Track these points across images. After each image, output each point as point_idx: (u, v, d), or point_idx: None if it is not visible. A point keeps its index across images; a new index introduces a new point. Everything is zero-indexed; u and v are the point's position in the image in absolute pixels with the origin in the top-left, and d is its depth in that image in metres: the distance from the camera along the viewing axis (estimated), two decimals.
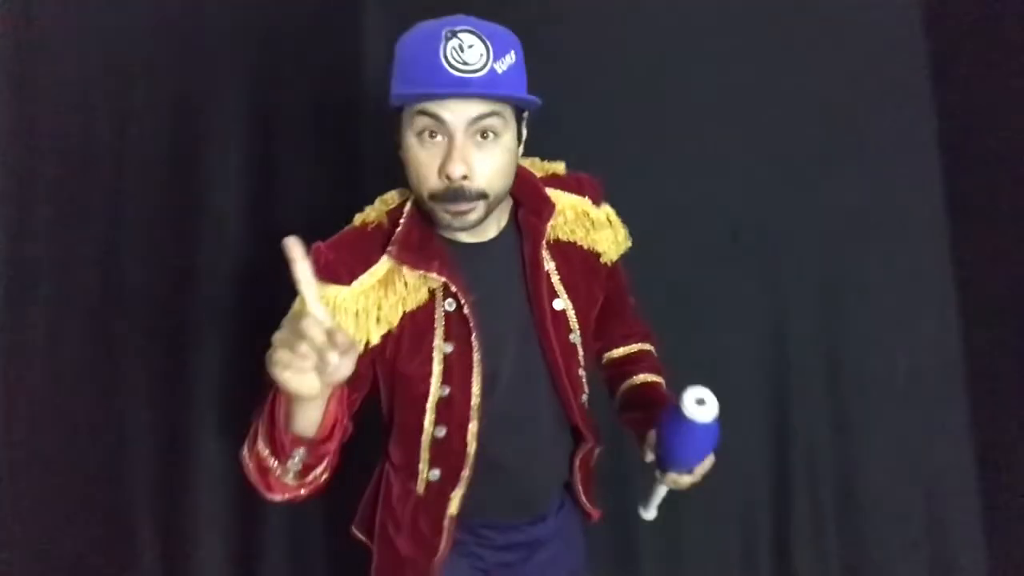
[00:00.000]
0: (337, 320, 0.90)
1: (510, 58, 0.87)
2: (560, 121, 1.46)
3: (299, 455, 0.82)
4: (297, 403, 0.78)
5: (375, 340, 0.93)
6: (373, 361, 0.96)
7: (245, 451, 0.89)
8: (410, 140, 0.89)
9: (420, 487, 1.03)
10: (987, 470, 1.63)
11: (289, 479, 0.84)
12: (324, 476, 0.87)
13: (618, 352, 1.18)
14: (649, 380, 1.13)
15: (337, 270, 0.93)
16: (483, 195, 0.89)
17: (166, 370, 1.47)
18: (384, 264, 0.94)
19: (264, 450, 0.83)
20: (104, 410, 1.46)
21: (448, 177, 0.86)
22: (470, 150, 0.87)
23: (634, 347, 1.18)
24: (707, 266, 1.57)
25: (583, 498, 1.14)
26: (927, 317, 1.64)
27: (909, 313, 1.62)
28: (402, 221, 0.96)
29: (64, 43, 1.44)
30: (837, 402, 1.62)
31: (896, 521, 1.61)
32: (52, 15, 1.44)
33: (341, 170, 1.48)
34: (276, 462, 0.83)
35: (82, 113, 1.45)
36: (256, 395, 0.88)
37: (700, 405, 0.88)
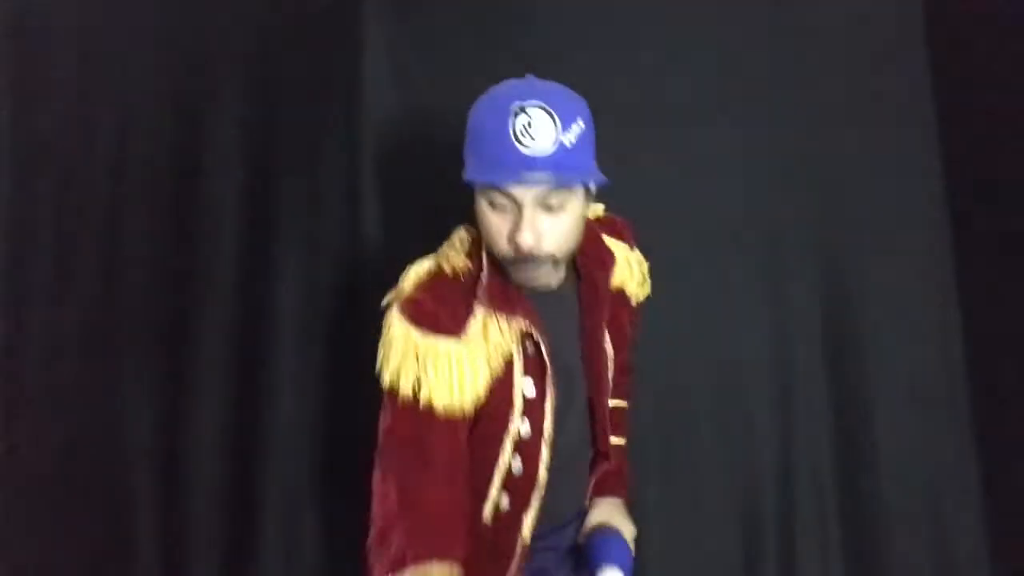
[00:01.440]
0: (457, 375, 0.94)
1: (577, 127, 0.90)
2: None
3: None
4: None
5: (483, 390, 0.97)
6: None
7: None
8: (483, 206, 0.93)
9: (488, 514, 1.05)
10: (987, 470, 1.62)
11: None
12: None
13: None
14: (615, 444, 1.19)
15: (445, 322, 0.96)
16: (552, 259, 0.94)
17: (166, 371, 1.47)
18: (479, 313, 0.97)
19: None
20: (104, 411, 1.46)
21: (518, 246, 0.90)
22: (539, 219, 0.91)
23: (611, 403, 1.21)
24: (707, 266, 1.57)
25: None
26: (928, 317, 1.64)
27: (909, 313, 1.62)
28: (484, 273, 0.99)
29: (64, 43, 1.44)
30: (838, 402, 1.61)
31: (897, 521, 1.60)
32: (52, 15, 1.44)
33: (341, 170, 1.48)
34: None
35: (82, 113, 1.45)
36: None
37: None
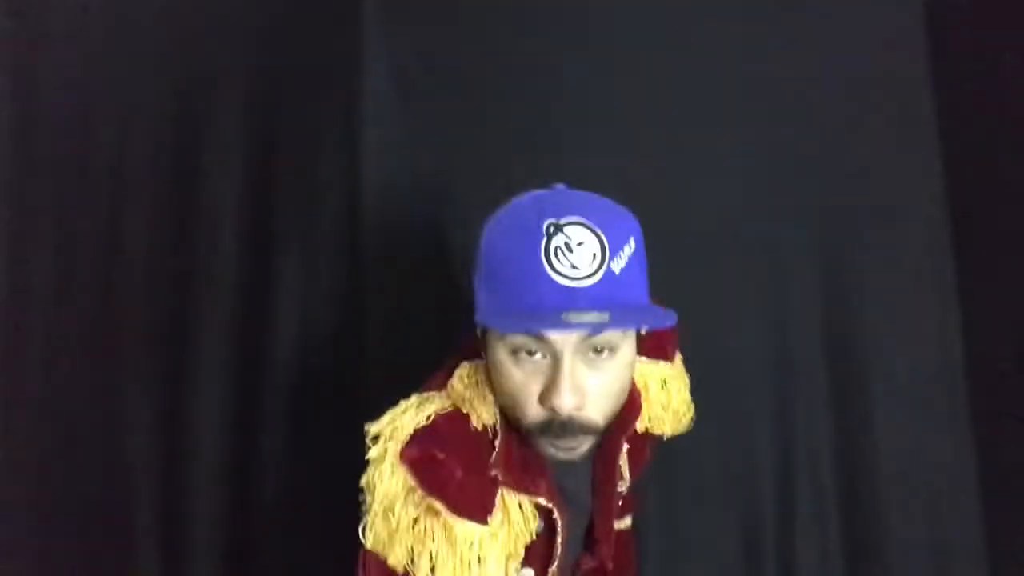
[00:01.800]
0: (482, 570, 0.71)
1: (628, 249, 0.69)
2: (559, 121, 1.46)
3: None
4: None
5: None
6: None
7: None
8: (501, 356, 0.70)
9: None
10: (987, 470, 1.62)
11: None
12: None
13: None
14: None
15: (473, 501, 0.73)
16: (596, 428, 0.71)
17: (166, 371, 1.47)
18: (498, 487, 0.74)
19: None
20: (103, 411, 1.46)
21: (553, 409, 0.68)
22: (582, 372, 0.68)
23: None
24: (707, 266, 1.57)
25: None
26: (927, 317, 1.63)
27: (909, 313, 1.62)
28: (498, 440, 0.76)
29: (64, 43, 1.44)
30: (838, 402, 1.61)
31: (897, 521, 1.60)
32: (52, 14, 1.44)
33: (341, 172, 1.48)
34: None
35: (82, 112, 1.45)
36: None
37: None
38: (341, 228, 1.44)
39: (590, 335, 0.67)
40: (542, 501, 0.75)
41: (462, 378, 0.79)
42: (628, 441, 0.87)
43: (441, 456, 0.73)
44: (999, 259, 1.58)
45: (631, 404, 0.83)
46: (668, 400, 0.91)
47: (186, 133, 1.46)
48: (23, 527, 1.42)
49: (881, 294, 1.61)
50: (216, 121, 1.47)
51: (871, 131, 1.61)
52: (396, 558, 0.72)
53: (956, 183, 1.62)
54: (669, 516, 1.53)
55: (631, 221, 0.74)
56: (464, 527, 0.71)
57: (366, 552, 0.75)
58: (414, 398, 0.79)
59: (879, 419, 1.61)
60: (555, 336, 0.66)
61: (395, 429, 0.75)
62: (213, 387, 1.48)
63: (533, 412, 0.70)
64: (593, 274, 0.65)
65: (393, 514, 0.72)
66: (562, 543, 0.78)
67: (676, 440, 1.53)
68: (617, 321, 0.65)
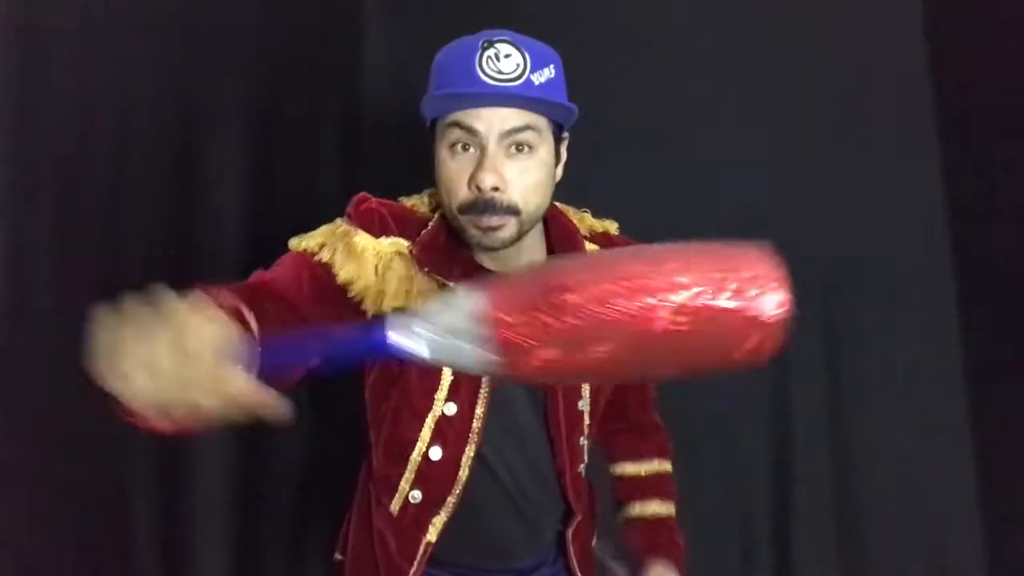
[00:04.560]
0: (352, 265, 0.85)
1: (549, 72, 0.84)
2: None
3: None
4: None
5: (376, 308, 0.86)
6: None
7: None
8: (443, 154, 0.85)
9: (395, 506, 0.97)
10: (987, 470, 1.62)
11: None
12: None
13: (630, 470, 1.11)
14: (659, 515, 1.09)
15: (374, 222, 0.89)
16: (515, 210, 0.84)
17: None
18: (406, 256, 0.88)
19: None
20: (103, 412, 1.46)
21: (478, 187, 0.82)
22: (502, 160, 0.83)
23: (647, 467, 1.11)
24: None
25: (577, 573, 1.06)
26: (927, 317, 1.64)
27: (909, 313, 1.62)
28: (431, 224, 0.91)
29: (64, 42, 1.44)
30: (836, 402, 1.62)
31: (896, 521, 1.61)
32: (52, 13, 1.44)
33: (341, 175, 1.48)
34: None
35: (82, 112, 1.45)
36: None
37: None
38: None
39: (513, 128, 0.81)
40: (451, 284, 0.86)
41: (421, 196, 0.96)
42: None
43: (373, 201, 0.91)
44: (998, 258, 1.58)
45: (569, 234, 0.96)
46: None
47: (186, 132, 1.46)
48: (21, 527, 1.42)
49: (880, 294, 1.62)
50: (217, 121, 1.47)
51: (871, 133, 1.61)
52: (307, 243, 0.87)
53: (956, 184, 1.63)
54: None
55: (555, 56, 0.88)
56: (359, 234, 0.87)
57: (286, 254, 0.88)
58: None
59: (879, 419, 1.62)
60: (480, 123, 0.81)
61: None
62: None
63: (463, 193, 0.84)
64: (516, 79, 0.81)
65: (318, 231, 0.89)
66: (489, 390, 0.89)
67: (673, 441, 1.54)
68: (530, 106, 0.82)
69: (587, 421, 0.99)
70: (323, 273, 0.86)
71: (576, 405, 0.97)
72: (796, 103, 1.58)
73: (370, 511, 1.01)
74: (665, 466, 1.13)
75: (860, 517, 1.61)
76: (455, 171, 0.84)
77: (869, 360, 1.61)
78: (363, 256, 0.86)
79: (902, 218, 1.62)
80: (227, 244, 1.47)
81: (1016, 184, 1.54)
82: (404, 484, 0.95)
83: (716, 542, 1.59)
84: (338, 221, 0.91)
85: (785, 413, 1.61)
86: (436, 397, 0.91)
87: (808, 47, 1.59)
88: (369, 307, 0.87)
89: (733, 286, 0.61)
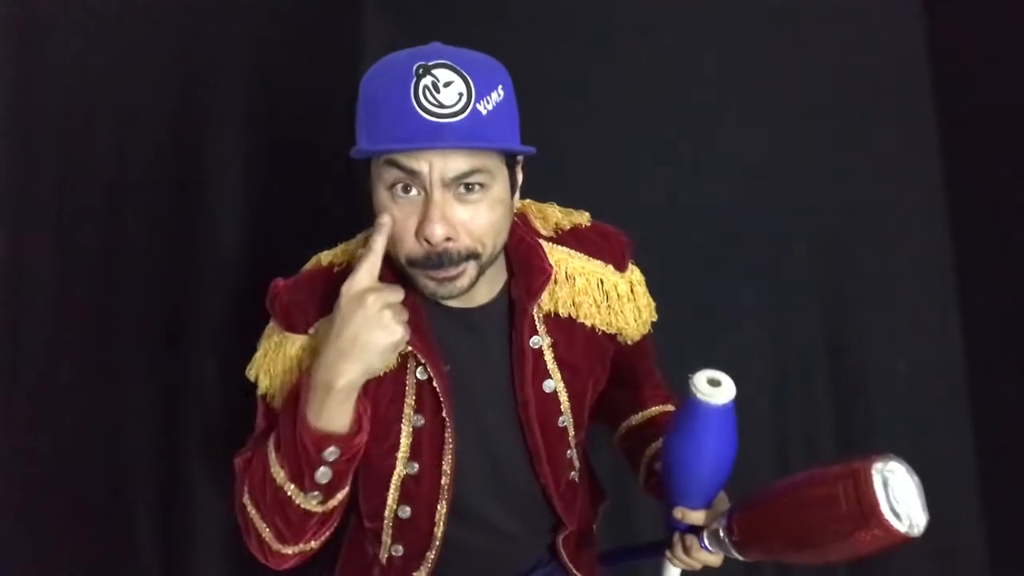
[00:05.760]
0: (290, 376, 0.83)
1: (496, 95, 0.71)
2: (559, 121, 1.46)
3: (330, 456, 0.73)
4: (334, 397, 0.72)
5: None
6: None
7: (245, 500, 0.82)
8: (381, 195, 0.74)
9: (383, 555, 0.96)
10: (987, 470, 1.62)
11: (313, 505, 0.75)
12: (340, 506, 0.78)
13: (636, 419, 1.04)
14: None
15: (293, 317, 0.83)
16: (473, 254, 0.75)
17: (166, 371, 1.47)
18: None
19: (279, 473, 0.75)
20: (103, 412, 1.46)
21: (427, 240, 0.72)
22: (451, 205, 0.72)
23: (654, 410, 1.04)
24: (707, 266, 1.57)
25: (574, 572, 1.04)
26: (927, 317, 1.64)
27: (909, 313, 1.62)
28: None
29: (64, 42, 1.44)
30: (837, 402, 1.61)
31: None
32: (53, 13, 1.44)
33: (340, 175, 1.48)
34: (294, 487, 0.75)
35: (82, 112, 1.45)
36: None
37: (714, 387, 0.79)
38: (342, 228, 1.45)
39: (460, 172, 0.70)
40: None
41: (346, 242, 0.89)
42: (554, 329, 0.88)
43: (282, 289, 0.85)
44: (999, 260, 1.58)
45: (536, 269, 0.85)
46: (600, 299, 0.91)
47: (186, 132, 1.46)
48: (21, 527, 1.42)
49: (881, 294, 1.62)
50: (217, 121, 1.47)
51: (871, 131, 1.61)
52: (262, 383, 0.86)
53: (956, 183, 1.62)
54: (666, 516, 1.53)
55: (502, 73, 0.75)
56: (286, 337, 0.83)
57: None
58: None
59: (879, 419, 1.62)
60: (421, 165, 0.70)
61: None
62: (214, 387, 1.48)
63: (410, 245, 0.74)
64: (459, 112, 0.68)
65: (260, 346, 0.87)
66: (449, 413, 0.82)
67: None
68: (477, 143, 0.70)
69: (571, 433, 0.94)
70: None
71: (556, 423, 0.91)
72: (796, 103, 1.58)
73: (363, 546, 1.01)
74: (669, 408, 1.05)
75: None
76: (398, 219, 0.73)
77: (870, 360, 1.61)
78: (298, 364, 0.84)
79: (903, 218, 1.62)
80: (227, 244, 1.47)
81: (1018, 184, 1.54)
82: (386, 538, 0.94)
83: None
84: (270, 324, 0.88)
85: (787, 413, 1.61)
86: (397, 457, 0.86)
87: (808, 47, 1.59)
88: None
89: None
